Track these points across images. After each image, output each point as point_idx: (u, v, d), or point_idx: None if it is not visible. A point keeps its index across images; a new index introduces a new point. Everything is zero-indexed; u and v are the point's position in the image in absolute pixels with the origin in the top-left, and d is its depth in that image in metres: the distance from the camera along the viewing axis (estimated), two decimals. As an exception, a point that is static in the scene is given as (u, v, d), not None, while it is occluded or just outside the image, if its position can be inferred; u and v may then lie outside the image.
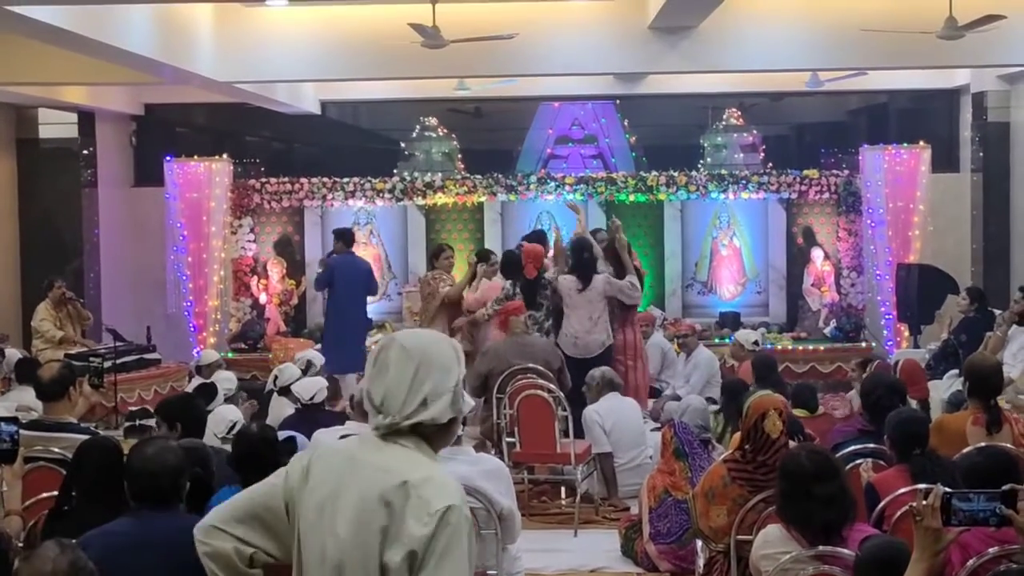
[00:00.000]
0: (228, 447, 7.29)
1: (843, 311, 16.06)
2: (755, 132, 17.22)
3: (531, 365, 10.34)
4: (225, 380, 10.58)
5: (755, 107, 18.22)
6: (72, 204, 16.36)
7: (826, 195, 16.35)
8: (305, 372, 10.15)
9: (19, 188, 16.00)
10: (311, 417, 8.37)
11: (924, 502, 3.98)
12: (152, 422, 8.07)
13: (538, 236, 13.12)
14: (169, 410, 6.82)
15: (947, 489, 4.00)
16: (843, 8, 12.62)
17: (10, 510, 6.18)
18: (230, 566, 3.36)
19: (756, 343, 12.20)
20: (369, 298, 14.23)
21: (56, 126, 16.38)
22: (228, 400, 10.20)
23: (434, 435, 3.33)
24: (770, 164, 16.78)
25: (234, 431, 7.66)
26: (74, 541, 3.97)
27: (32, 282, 15.41)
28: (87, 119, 16.44)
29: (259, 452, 5.66)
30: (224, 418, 7.79)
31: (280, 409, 9.54)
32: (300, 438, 6.17)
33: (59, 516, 5.41)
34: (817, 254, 16.33)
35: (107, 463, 5.34)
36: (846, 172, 16.39)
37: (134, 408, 8.70)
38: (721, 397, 10.16)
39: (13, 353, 11.82)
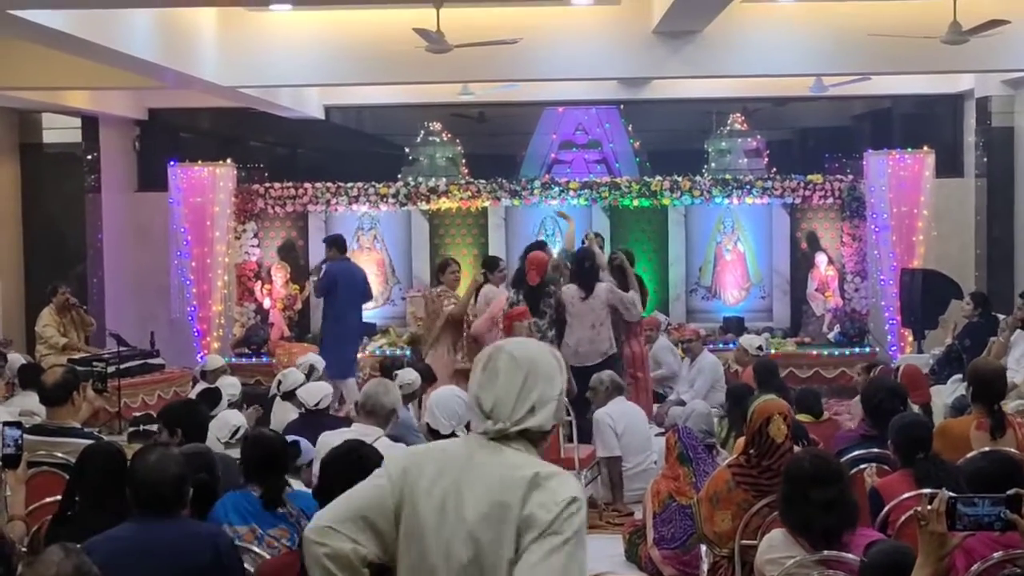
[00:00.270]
0: (232, 452, 7.29)
1: (847, 316, 16.04)
2: (759, 137, 17.21)
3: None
4: (229, 385, 10.56)
5: (759, 112, 18.22)
6: (76, 209, 16.37)
7: (830, 200, 16.34)
8: (308, 377, 10.13)
9: (23, 193, 16.01)
10: (315, 422, 8.34)
11: (929, 507, 3.97)
12: (155, 426, 8.08)
13: (539, 246, 13.09)
14: (171, 416, 6.82)
15: (951, 494, 3.99)
16: (847, 13, 12.61)
17: (13, 515, 6.17)
18: (350, 566, 3.36)
19: (760, 348, 12.19)
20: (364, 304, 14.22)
21: (60, 131, 16.41)
22: (232, 405, 10.20)
23: (538, 441, 3.43)
24: (774, 169, 16.77)
25: (238, 436, 7.66)
26: (78, 546, 3.96)
27: (36, 287, 15.41)
28: (91, 124, 16.45)
29: (276, 456, 5.66)
30: (228, 423, 7.78)
31: (283, 414, 9.51)
32: (304, 443, 6.16)
33: (62, 521, 5.40)
34: (821, 259, 16.32)
35: (110, 469, 5.33)
36: (850, 177, 16.38)
37: (138, 413, 8.71)
38: (726, 402, 10.14)
39: (16, 358, 11.82)
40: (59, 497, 5.65)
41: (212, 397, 9.59)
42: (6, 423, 6.52)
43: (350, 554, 3.35)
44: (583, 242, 13.52)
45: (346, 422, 8.26)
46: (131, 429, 8.02)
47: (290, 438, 6.07)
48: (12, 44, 11.89)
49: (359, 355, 14.26)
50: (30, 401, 9.67)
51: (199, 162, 16.30)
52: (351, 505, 3.41)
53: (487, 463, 3.33)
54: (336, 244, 14.00)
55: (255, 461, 5.72)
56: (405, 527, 3.35)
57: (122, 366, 12.81)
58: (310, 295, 16.51)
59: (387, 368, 10.82)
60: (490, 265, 12.64)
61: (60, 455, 6.90)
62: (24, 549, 5.82)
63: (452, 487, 3.32)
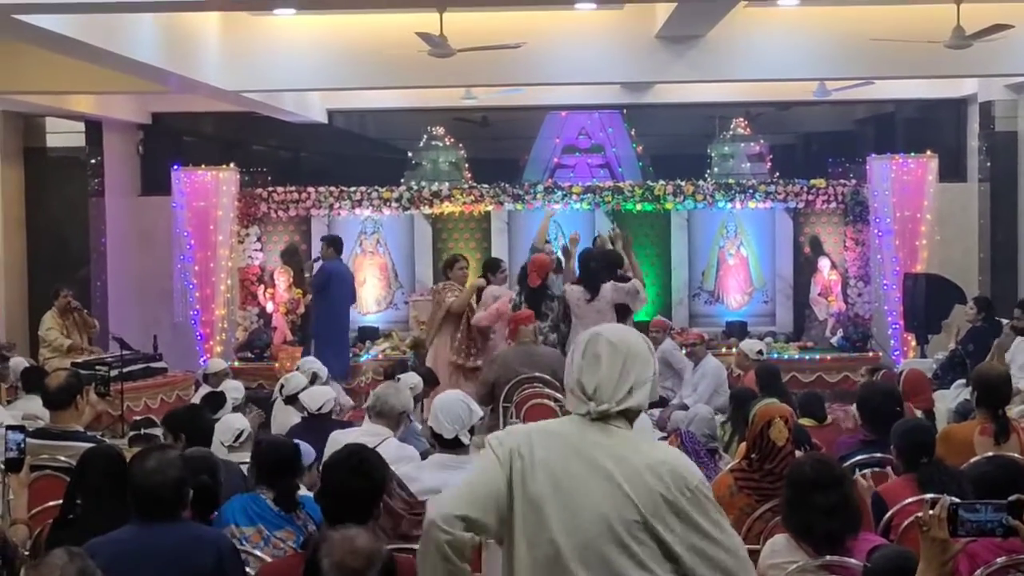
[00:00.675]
0: (235, 456, 7.30)
1: (850, 320, 16.03)
2: (762, 141, 17.21)
3: (537, 374, 10.34)
4: (233, 389, 10.58)
5: (762, 116, 18.22)
6: (79, 213, 16.37)
7: (833, 204, 16.34)
8: (312, 382, 10.14)
9: (26, 197, 16.00)
10: (318, 426, 8.35)
11: (931, 512, 3.97)
12: (157, 431, 8.08)
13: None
14: (175, 421, 6.82)
15: (953, 499, 3.99)
16: (850, 18, 12.61)
17: (16, 518, 6.18)
18: (463, 556, 3.54)
19: (760, 352, 12.18)
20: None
21: (63, 135, 16.40)
22: (236, 409, 10.20)
23: (633, 419, 3.71)
24: (777, 173, 16.77)
25: (241, 439, 7.67)
26: (81, 549, 3.96)
27: (39, 291, 15.41)
28: (94, 128, 16.46)
29: (289, 461, 5.67)
30: (231, 427, 7.79)
31: (285, 417, 9.53)
32: (304, 446, 6.17)
33: (63, 524, 5.40)
34: (824, 263, 16.31)
35: (111, 472, 5.34)
36: (853, 181, 16.38)
37: (138, 417, 8.71)
38: (729, 406, 10.13)
39: (19, 362, 11.83)
40: (61, 501, 5.66)
41: (216, 401, 9.59)
42: (9, 427, 6.54)
43: (468, 543, 3.53)
44: (594, 242, 13.55)
45: (347, 425, 8.28)
46: (132, 433, 8.01)
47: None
48: (16, 48, 11.89)
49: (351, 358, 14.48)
50: (33, 405, 9.68)
51: (202, 166, 16.30)
52: (474, 492, 3.57)
53: (600, 445, 3.58)
54: (335, 244, 14.21)
55: (268, 465, 5.72)
56: (520, 506, 3.55)
57: (125, 370, 12.80)
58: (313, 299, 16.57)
59: (390, 374, 10.82)
60: (491, 267, 12.69)
61: (63, 458, 6.91)
62: (27, 552, 5.83)
63: (567, 466, 3.55)
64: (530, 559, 3.56)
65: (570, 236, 13.29)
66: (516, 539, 3.57)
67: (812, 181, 16.30)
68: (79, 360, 12.87)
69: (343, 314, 14.38)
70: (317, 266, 14.51)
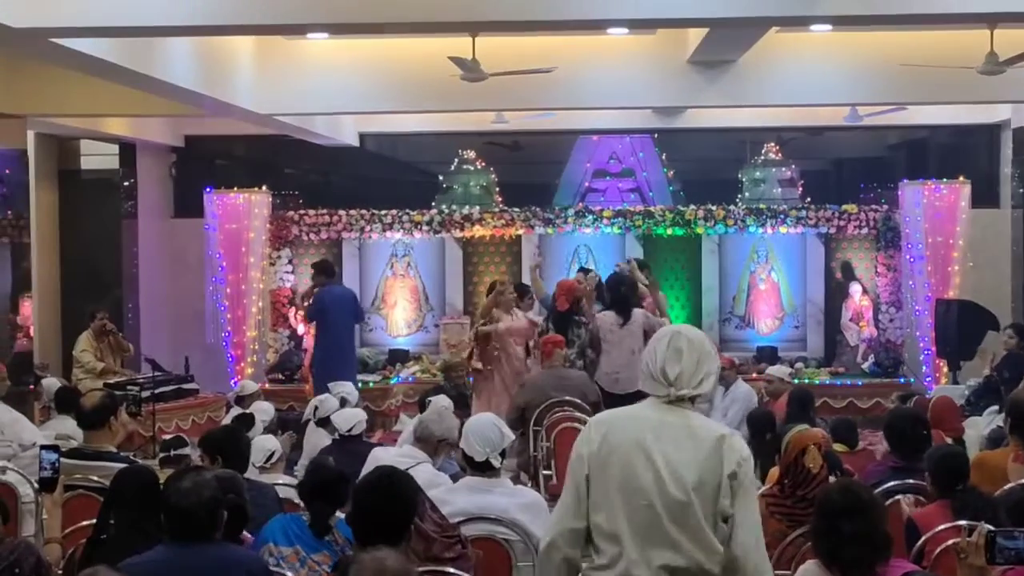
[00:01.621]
0: (266, 477, 7.32)
1: (881, 346, 15.98)
2: (793, 166, 17.20)
3: (568, 398, 10.33)
4: (263, 411, 10.59)
5: (793, 141, 18.19)
6: (112, 235, 16.45)
7: (865, 230, 16.31)
8: (342, 405, 10.15)
9: (60, 218, 16.09)
10: (349, 448, 8.37)
11: (969, 539, 3.95)
12: (187, 450, 8.10)
13: (585, 272, 13.17)
14: (212, 443, 6.82)
15: (991, 527, 3.97)
16: (883, 43, 12.58)
17: (50, 538, 6.22)
18: (573, 571, 4.40)
19: (791, 375, 12.17)
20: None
21: (97, 157, 16.52)
22: (266, 430, 10.22)
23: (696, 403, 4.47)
24: (808, 199, 16.75)
25: (272, 460, 7.69)
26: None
27: (72, 312, 15.48)
28: (128, 150, 16.56)
29: (327, 485, 5.66)
30: (263, 448, 7.81)
31: (317, 439, 9.54)
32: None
33: (97, 544, 5.42)
34: (855, 289, 16.27)
35: (144, 492, 5.36)
36: (885, 207, 16.35)
37: (167, 436, 8.71)
38: (747, 430, 10.09)
39: (52, 382, 11.88)
40: (95, 520, 5.68)
41: (245, 422, 9.60)
42: (43, 446, 6.58)
43: (578, 562, 4.38)
44: (616, 268, 13.57)
45: (377, 447, 8.28)
46: (162, 455, 8.03)
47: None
48: (52, 72, 11.98)
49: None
50: (66, 425, 9.72)
51: (234, 189, 16.39)
52: (578, 508, 4.36)
53: (675, 425, 4.34)
54: (323, 270, 14.21)
55: (308, 487, 5.74)
56: (612, 477, 4.31)
57: (157, 391, 12.86)
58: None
59: (422, 401, 10.79)
60: (520, 293, 12.73)
61: (96, 479, 6.93)
62: (60, 572, 5.86)
63: (651, 443, 4.30)
64: (629, 523, 4.28)
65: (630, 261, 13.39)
66: (612, 505, 4.30)
67: (844, 206, 16.28)
68: (112, 381, 12.93)
69: (346, 339, 14.17)
70: (315, 295, 14.45)
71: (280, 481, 7.24)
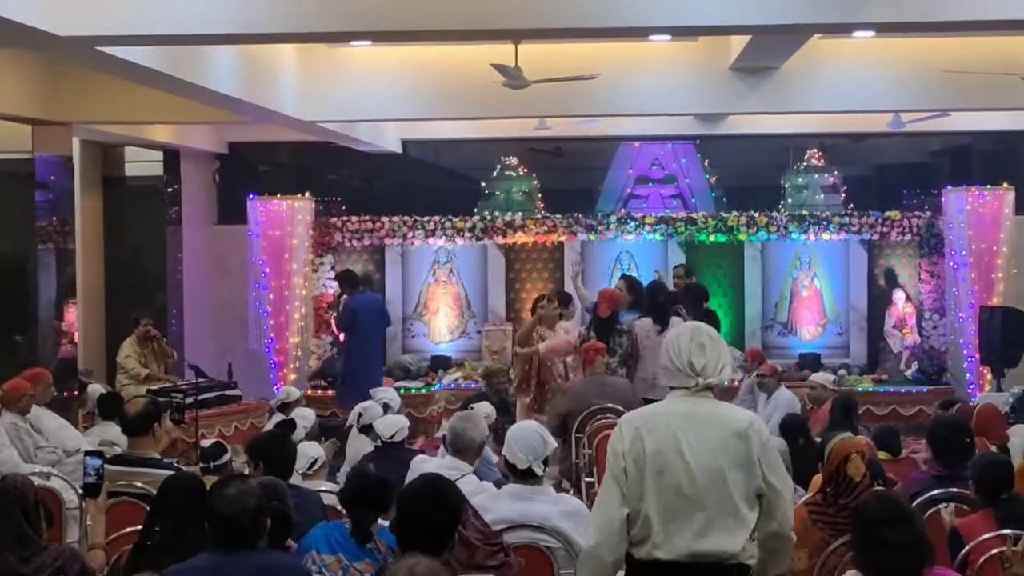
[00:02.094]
0: (309, 483, 7.34)
1: (925, 353, 15.90)
2: (836, 173, 17.15)
3: (610, 405, 10.32)
4: (304, 417, 10.62)
5: (836, 148, 18.13)
6: (157, 241, 16.54)
7: (908, 237, 16.25)
8: (384, 412, 10.16)
9: (105, 225, 16.18)
10: (391, 455, 8.38)
11: (1013, 548, 3.93)
12: (226, 458, 8.12)
13: (630, 280, 13.16)
14: (258, 449, 6.84)
15: (1036, 536, 3.95)
16: (926, 49, 12.52)
17: (94, 543, 6.26)
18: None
19: (835, 383, 12.12)
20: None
21: (142, 164, 16.59)
22: (308, 437, 10.25)
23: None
24: (851, 205, 16.69)
25: (315, 467, 7.72)
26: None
27: (116, 318, 15.57)
28: (172, 157, 16.65)
29: (366, 493, 5.67)
30: (306, 454, 7.83)
31: (359, 446, 9.56)
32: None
33: (142, 550, 5.45)
34: (899, 296, 16.20)
35: (191, 499, 5.38)
36: (928, 213, 16.28)
37: (205, 443, 8.72)
38: (780, 437, 10.05)
39: (96, 389, 11.95)
40: (139, 527, 5.71)
41: (287, 428, 9.61)
42: (88, 452, 6.62)
43: (621, 561, 4.77)
44: (655, 275, 13.58)
45: (419, 453, 8.30)
46: (201, 465, 8.04)
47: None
48: (97, 79, 12.09)
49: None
50: (109, 431, 9.79)
51: (278, 195, 16.47)
52: (620, 501, 4.73)
53: (704, 414, 4.79)
54: (348, 280, 14.39)
55: (348, 494, 5.76)
56: (646, 468, 4.70)
57: (200, 397, 12.89)
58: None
59: (464, 407, 10.80)
60: (563, 301, 12.74)
61: (140, 485, 6.97)
62: (104, 578, 5.90)
63: (680, 434, 4.72)
64: (659, 509, 4.67)
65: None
66: (646, 492, 4.69)
67: (887, 213, 16.23)
68: (155, 387, 13.00)
69: (375, 347, 14.46)
70: (343, 304, 14.58)
71: (323, 488, 7.25)
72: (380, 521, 5.81)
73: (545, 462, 6.20)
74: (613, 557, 4.73)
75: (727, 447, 4.71)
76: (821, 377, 12.33)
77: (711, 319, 12.08)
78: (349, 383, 13.77)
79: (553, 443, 6.41)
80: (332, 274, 16.48)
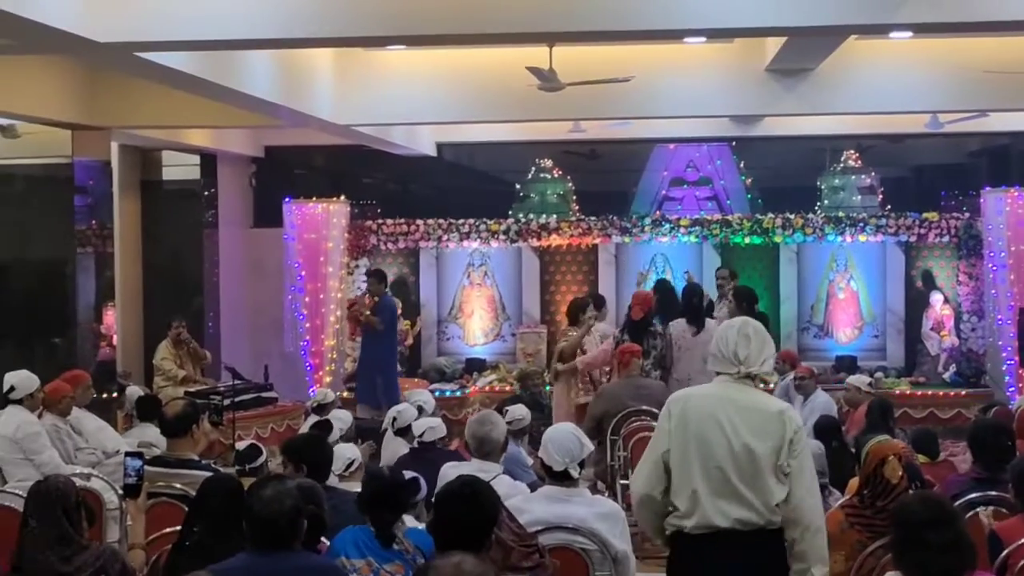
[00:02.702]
0: (346, 485, 7.36)
1: (963, 356, 15.82)
2: (873, 174, 17.09)
3: (645, 407, 10.32)
4: (340, 419, 10.65)
5: (873, 149, 18.05)
6: (194, 244, 16.65)
7: (946, 238, 16.17)
8: (419, 415, 10.18)
9: (143, 228, 16.31)
10: (426, 457, 8.40)
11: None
12: (261, 460, 8.14)
13: (663, 284, 13.16)
14: (295, 450, 6.87)
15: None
16: (964, 49, 12.46)
17: (134, 543, 6.31)
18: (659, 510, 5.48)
19: (871, 385, 12.07)
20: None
21: (179, 168, 16.71)
22: (343, 439, 10.28)
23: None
24: (888, 207, 16.62)
25: (351, 469, 7.74)
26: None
27: (154, 320, 15.67)
28: (209, 161, 16.75)
29: (385, 494, 5.70)
30: (343, 456, 7.86)
31: (395, 448, 9.58)
32: (420, 480, 6.24)
33: (181, 550, 5.49)
34: (936, 298, 16.12)
35: (230, 500, 5.42)
36: (967, 215, 16.19)
37: (240, 445, 8.72)
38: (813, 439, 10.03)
39: (134, 391, 12.02)
40: (178, 527, 5.76)
41: (323, 430, 9.61)
42: (128, 453, 6.69)
43: (663, 507, 5.44)
44: (685, 277, 13.59)
45: (455, 455, 8.32)
46: (236, 467, 8.05)
47: (407, 474, 6.09)
48: (136, 85, 12.18)
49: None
50: (148, 432, 9.86)
51: (313, 199, 16.54)
52: (658, 478, 5.41)
53: (741, 400, 5.37)
54: (383, 277, 14.73)
55: (366, 497, 5.77)
56: (690, 444, 5.33)
57: (236, 399, 12.97)
58: (421, 330, 16.70)
59: (499, 409, 10.81)
60: (597, 304, 12.76)
61: (179, 486, 7.02)
62: (144, 578, 5.95)
63: (722, 415, 5.31)
64: (704, 482, 5.27)
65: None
66: (691, 467, 5.30)
67: (924, 214, 16.15)
68: (192, 389, 13.08)
69: (395, 345, 14.92)
70: (383, 302, 14.69)
71: (359, 490, 7.27)
72: (408, 522, 5.84)
73: (581, 464, 6.20)
74: (653, 507, 5.47)
75: (763, 429, 5.28)
76: (857, 379, 12.28)
77: (762, 321, 12.06)
78: (388, 383, 13.99)
79: (589, 445, 6.40)
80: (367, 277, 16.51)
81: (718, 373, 5.52)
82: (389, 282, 15.81)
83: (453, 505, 4.70)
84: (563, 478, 6.17)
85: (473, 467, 6.94)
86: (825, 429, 9.68)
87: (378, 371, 14.31)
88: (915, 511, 4.98)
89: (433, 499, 5.47)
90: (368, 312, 14.48)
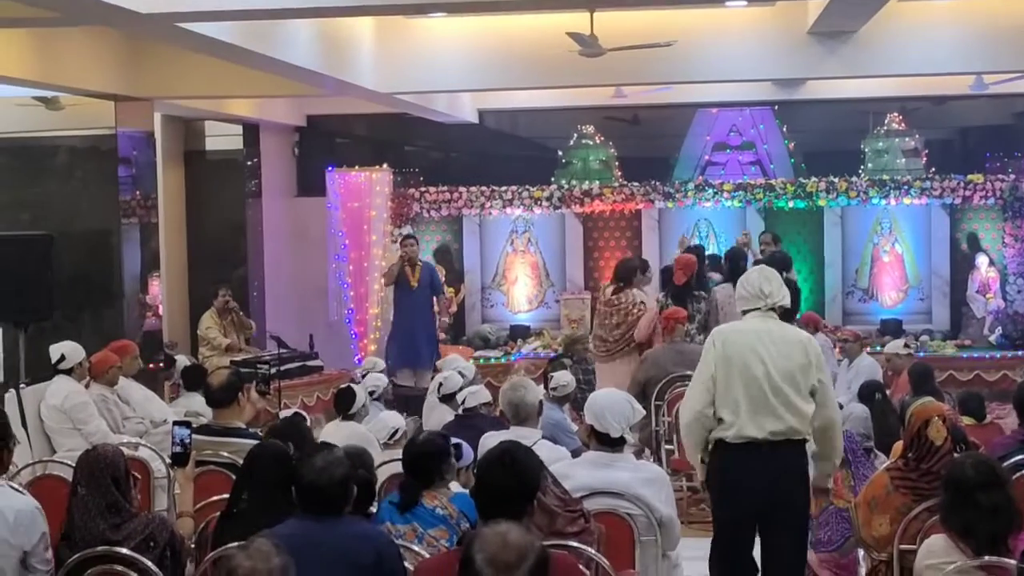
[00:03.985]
0: (389, 453, 7.42)
1: (1009, 318, 15.71)
2: (917, 136, 16.94)
3: (689, 372, 10.30)
4: (374, 381, 10.69)
5: (917, 111, 17.90)
6: (237, 214, 16.72)
7: (991, 200, 16.04)
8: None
9: (187, 199, 16.39)
10: (469, 424, 8.44)
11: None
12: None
13: (695, 250, 13.11)
14: (278, 435, 6.86)
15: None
16: (1008, 9, 12.34)
17: (182, 511, 6.39)
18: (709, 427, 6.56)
19: (907, 346, 12.03)
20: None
21: (222, 138, 16.77)
22: (379, 400, 10.35)
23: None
24: (933, 169, 16.50)
25: (395, 437, 7.79)
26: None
27: (199, 290, 15.77)
28: (252, 131, 16.79)
29: (411, 462, 5.76)
30: (387, 424, 7.92)
31: (439, 416, 9.63)
32: (465, 447, 6.27)
33: (229, 517, 5.55)
34: (982, 260, 16.02)
35: (278, 468, 5.47)
36: (1012, 176, 16.05)
37: (285, 414, 8.73)
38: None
39: (181, 360, 12.13)
40: (225, 495, 5.81)
41: (346, 397, 9.50)
42: (176, 422, 6.75)
43: (712, 424, 6.50)
44: (736, 241, 13.52)
45: (498, 422, 8.35)
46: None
47: (454, 441, 6.13)
48: (178, 55, 12.23)
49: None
50: (194, 402, 9.95)
51: (356, 167, 16.58)
52: (706, 397, 6.46)
53: (774, 329, 6.52)
54: (419, 241, 14.76)
55: (406, 463, 5.83)
56: (733, 368, 6.42)
57: (282, 368, 13.06)
58: (465, 297, 16.73)
59: (544, 376, 10.83)
60: (641, 268, 12.72)
61: (226, 454, 7.09)
62: (192, 545, 6.02)
63: (757, 344, 6.42)
64: (745, 399, 6.36)
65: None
66: (734, 384, 6.38)
67: (969, 176, 16.02)
68: (238, 359, 13.17)
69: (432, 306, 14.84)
70: (430, 265, 14.83)
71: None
72: (454, 488, 5.87)
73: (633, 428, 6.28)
74: (701, 424, 6.49)
75: (792, 353, 6.42)
76: (893, 346, 12.25)
77: (791, 288, 11.99)
78: (431, 343, 14.28)
79: (641, 410, 6.46)
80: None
81: (745, 312, 6.64)
82: (432, 250, 15.92)
83: (493, 473, 4.72)
84: (616, 443, 6.20)
85: (511, 434, 6.96)
86: (870, 392, 9.66)
87: (421, 328, 14.28)
88: (967, 473, 5.00)
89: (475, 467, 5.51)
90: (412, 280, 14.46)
